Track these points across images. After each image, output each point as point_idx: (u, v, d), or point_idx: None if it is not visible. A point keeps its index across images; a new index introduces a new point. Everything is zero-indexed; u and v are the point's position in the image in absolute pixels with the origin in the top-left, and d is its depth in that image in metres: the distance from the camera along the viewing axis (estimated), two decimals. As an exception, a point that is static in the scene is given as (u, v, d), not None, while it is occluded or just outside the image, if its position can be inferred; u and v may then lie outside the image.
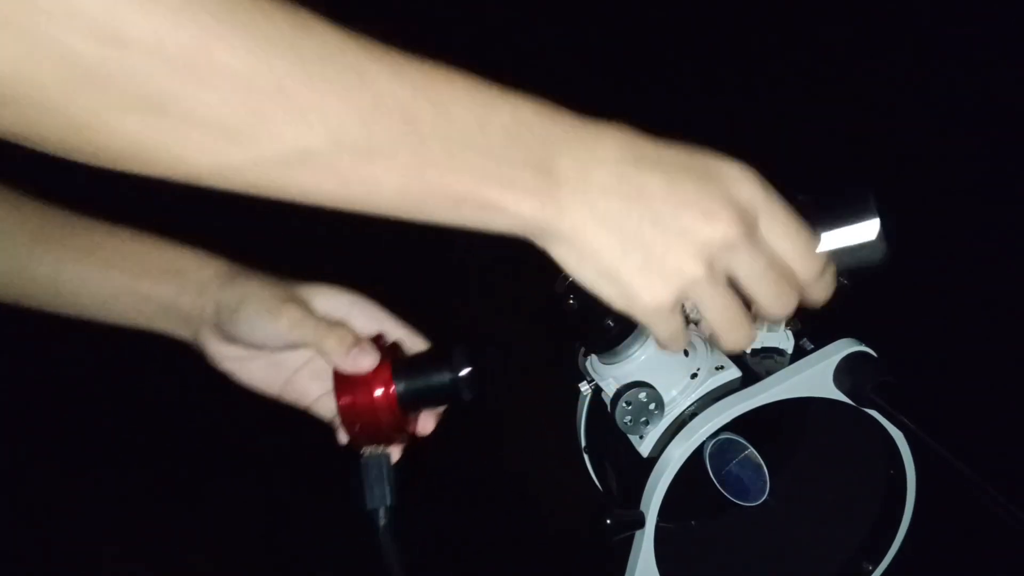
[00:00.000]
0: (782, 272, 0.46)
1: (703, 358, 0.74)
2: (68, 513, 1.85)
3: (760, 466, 0.77)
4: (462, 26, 2.71)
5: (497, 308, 2.08)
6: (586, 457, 0.84)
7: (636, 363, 0.71)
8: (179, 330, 0.61)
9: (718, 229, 0.42)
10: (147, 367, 2.13)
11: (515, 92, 0.41)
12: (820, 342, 0.74)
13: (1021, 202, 2.29)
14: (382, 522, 0.58)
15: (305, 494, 1.94)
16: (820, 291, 0.49)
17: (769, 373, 0.72)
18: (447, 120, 0.38)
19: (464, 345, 0.60)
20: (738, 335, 0.46)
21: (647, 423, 0.71)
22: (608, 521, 0.70)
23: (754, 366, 0.74)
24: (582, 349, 0.77)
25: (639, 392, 0.69)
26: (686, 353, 0.73)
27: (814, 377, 0.71)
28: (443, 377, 0.58)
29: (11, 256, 0.58)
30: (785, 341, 0.77)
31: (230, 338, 0.59)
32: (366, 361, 0.57)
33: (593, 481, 0.83)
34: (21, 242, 0.58)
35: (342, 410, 0.58)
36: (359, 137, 0.37)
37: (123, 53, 0.32)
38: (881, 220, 0.49)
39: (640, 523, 0.70)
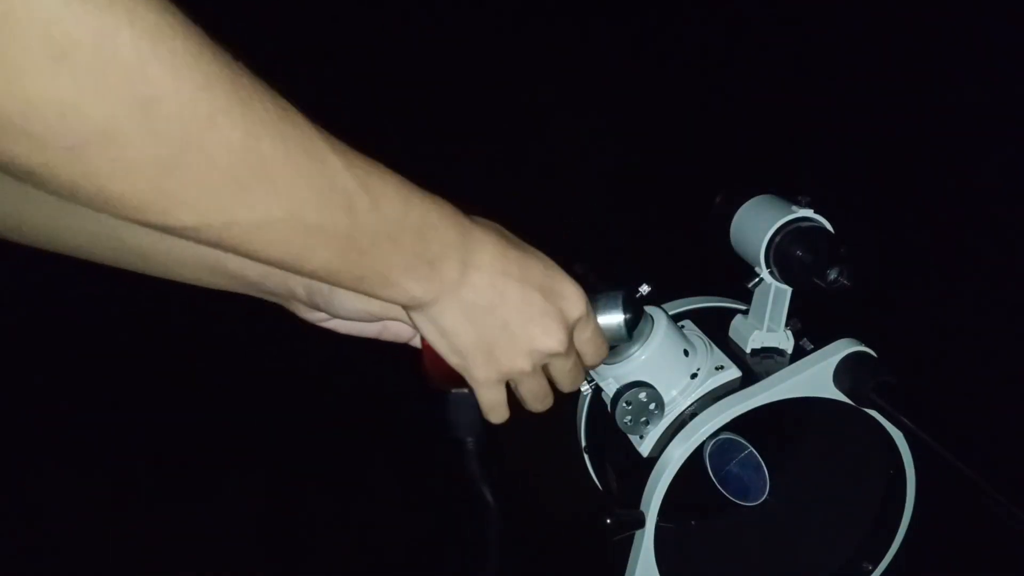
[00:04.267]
0: (579, 365, 0.60)
1: (703, 358, 0.74)
2: (68, 511, 1.85)
3: (760, 466, 0.77)
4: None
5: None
6: (586, 457, 0.84)
7: (636, 363, 0.71)
8: (269, 299, 0.64)
9: (550, 344, 0.55)
10: (147, 365, 2.13)
11: (428, 194, 0.49)
12: (820, 342, 0.74)
13: (1021, 202, 2.29)
14: (471, 449, 0.61)
15: (306, 492, 1.94)
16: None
17: (769, 373, 0.72)
18: (376, 214, 0.45)
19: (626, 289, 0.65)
20: (541, 405, 0.60)
21: (647, 423, 0.71)
22: (608, 521, 0.70)
23: (754, 366, 0.74)
24: (582, 349, 0.77)
25: (639, 392, 0.69)
26: (686, 353, 0.73)
27: (814, 377, 0.71)
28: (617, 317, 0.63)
29: (107, 224, 0.59)
30: (785, 341, 0.77)
31: (324, 310, 0.62)
32: None
33: (593, 481, 0.83)
34: None
35: (427, 364, 0.59)
36: (311, 216, 0.43)
37: (148, 113, 0.35)
38: (624, 316, 0.63)
39: (640, 523, 0.70)
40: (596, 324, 0.60)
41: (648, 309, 0.73)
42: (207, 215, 0.40)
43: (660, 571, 0.73)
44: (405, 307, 0.52)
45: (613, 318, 0.63)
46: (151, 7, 0.34)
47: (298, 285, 0.61)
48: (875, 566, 0.81)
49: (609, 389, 0.73)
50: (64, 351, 2.14)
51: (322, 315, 0.63)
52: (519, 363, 0.55)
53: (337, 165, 0.43)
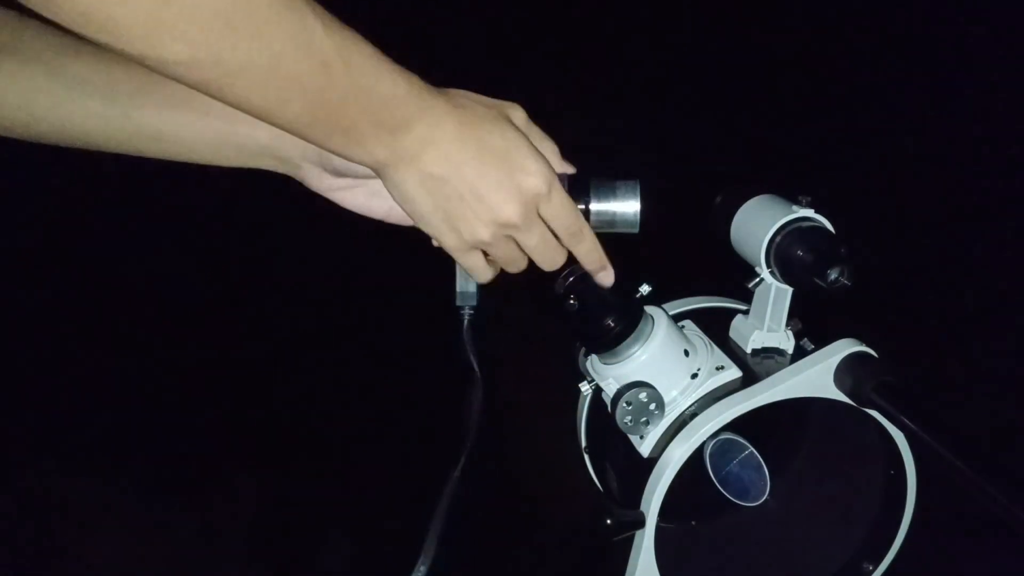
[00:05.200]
0: (550, 241, 0.62)
1: (704, 358, 0.73)
2: (68, 510, 1.85)
3: (760, 466, 0.76)
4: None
5: (497, 308, 2.08)
6: (587, 457, 0.84)
7: (636, 363, 0.71)
8: (279, 168, 0.67)
9: (505, 214, 0.58)
10: (150, 361, 2.13)
11: (399, 66, 0.54)
12: (821, 342, 0.74)
13: (1020, 203, 2.29)
14: (466, 319, 0.67)
15: (307, 491, 1.94)
16: (583, 253, 0.65)
17: (770, 373, 0.72)
18: (348, 78, 0.51)
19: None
20: (515, 267, 0.63)
21: (647, 423, 0.71)
22: (608, 521, 0.69)
23: (755, 366, 0.74)
24: (582, 349, 0.77)
25: (639, 392, 0.69)
26: (686, 353, 0.73)
27: (815, 377, 0.71)
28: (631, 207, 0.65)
29: (117, 105, 0.63)
30: (786, 341, 0.76)
31: (338, 173, 0.65)
32: None
33: (593, 481, 0.83)
34: (125, 92, 0.63)
35: None
36: (289, 67, 0.49)
37: None
38: (640, 205, 0.66)
39: (640, 523, 0.70)
40: (565, 199, 0.62)
41: (648, 309, 0.73)
42: (198, 50, 0.45)
43: (660, 572, 0.73)
44: (374, 170, 0.57)
45: (629, 206, 0.66)
46: None
47: (310, 148, 0.63)
48: (875, 566, 0.81)
49: (609, 389, 0.72)
50: (64, 351, 2.14)
51: (334, 182, 0.66)
52: (479, 232, 0.59)
53: (316, 26, 0.49)
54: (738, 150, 2.45)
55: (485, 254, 0.63)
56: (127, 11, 0.43)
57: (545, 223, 0.61)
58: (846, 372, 0.70)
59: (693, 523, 0.83)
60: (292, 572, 1.81)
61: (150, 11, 0.43)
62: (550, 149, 0.63)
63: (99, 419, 2.00)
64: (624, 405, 0.69)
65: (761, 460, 0.76)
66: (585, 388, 0.77)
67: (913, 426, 0.66)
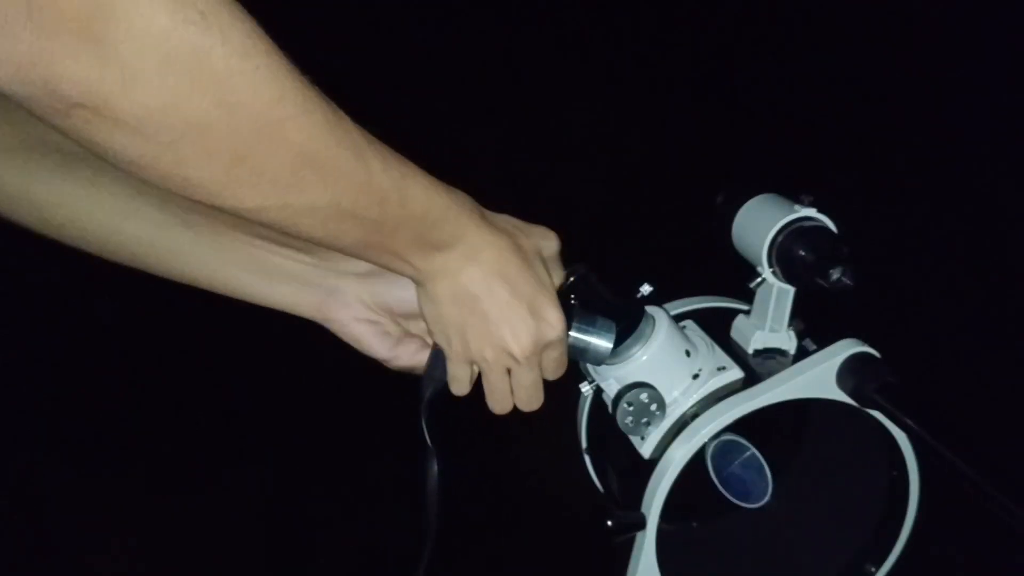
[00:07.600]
0: (539, 384, 0.67)
1: (705, 358, 0.73)
2: (68, 507, 1.85)
3: (762, 467, 0.76)
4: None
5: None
6: (587, 458, 0.84)
7: (638, 364, 0.70)
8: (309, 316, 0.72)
9: (514, 348, 0.63)
10: (152, 358, 2.13)
11: (447, 187, 0.58)
12: (823, 343, 0.73)
13: (1020, 203, 2.29)
14: (427, 395, 0.68)
15: (309, 490, 1.94)
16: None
17: (772, 374, 0.72)
18: (403, 209, 0.55)
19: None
20: (499, 406, 0.68)
21: (648, 424, 0.70)
22: (609, 523, 0.69)
23: (756, 367, 0.74)
24: (583, 349, 0.77)
25: (640, 393, 0.69)
26: (688, 353, 0.72)
27: (817, 378, 0.71)
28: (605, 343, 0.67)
29: (166, 235, 0.69)
30: (787, 342, 0.76)
31: (376, 310, 0.70)
32: None
33: (594, 482, 0.83)
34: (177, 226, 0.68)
35: None
36: (348, 205, 0.52)
37: (231, 116, 0.44)
38: (612, 346, 0.68)
39: (641, 525, 0.70)
40: (565, 349, 0.66)
41: (649, 309, 0.73)
42: (268, 198, 0.49)
43: (662, 573, 0.73)
44: (413, 280, 0.62)
45: (601, 343, 0.68)
46: (241, 29, 0.43)
47: (364, 290, 0.68)
48: (878, 568, 0.81)
49: (610, 390, 0.72)
50: (64, 345, 2.14)
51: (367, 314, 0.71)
52: (485, 352, 0.63)
53: (376, 167, 0.52)
54: (739, 150, 2.44)
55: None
56: (204, 173, 0.46)
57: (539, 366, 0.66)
58: (848, 373, 0.70)
59: (694, 525, 0.83)
60: (292, 571, 1.81)
61: (225, 170, 0.46)
62: (558, 280, 0.68)
63: (98, 417, 2.00)
64: (625, 406, 0.69)
65: (763, 461, 0.76)
66: (586, 389, 0.77)
67: (916, 427, 0.66)
